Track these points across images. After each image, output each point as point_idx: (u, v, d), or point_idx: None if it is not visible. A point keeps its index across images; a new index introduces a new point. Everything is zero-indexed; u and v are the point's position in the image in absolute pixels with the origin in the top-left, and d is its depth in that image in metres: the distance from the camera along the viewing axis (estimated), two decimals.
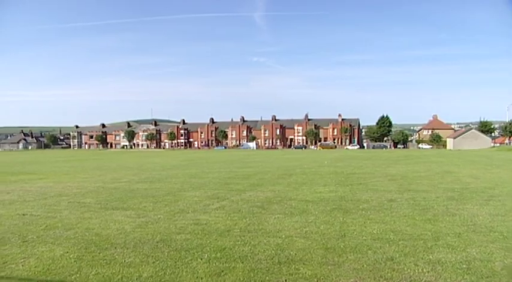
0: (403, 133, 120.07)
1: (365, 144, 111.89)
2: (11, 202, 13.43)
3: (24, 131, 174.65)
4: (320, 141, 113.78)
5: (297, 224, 9.16)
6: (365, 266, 6.18)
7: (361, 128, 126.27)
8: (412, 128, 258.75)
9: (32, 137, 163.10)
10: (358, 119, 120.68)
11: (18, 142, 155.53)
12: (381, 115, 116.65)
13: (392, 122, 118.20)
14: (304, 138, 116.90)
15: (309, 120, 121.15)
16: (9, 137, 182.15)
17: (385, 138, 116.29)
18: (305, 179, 19.42)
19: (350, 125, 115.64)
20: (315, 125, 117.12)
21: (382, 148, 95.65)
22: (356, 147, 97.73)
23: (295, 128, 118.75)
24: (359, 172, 23.42)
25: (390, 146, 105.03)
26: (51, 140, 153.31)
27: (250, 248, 7.19)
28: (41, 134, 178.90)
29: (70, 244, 7.73)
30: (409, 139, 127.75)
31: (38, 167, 33.46)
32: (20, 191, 16.59)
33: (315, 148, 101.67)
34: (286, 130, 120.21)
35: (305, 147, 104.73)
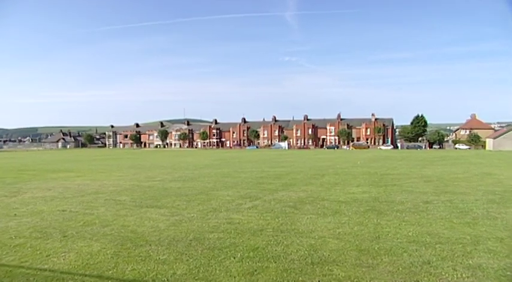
0: (439, 133, 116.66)
1: (399, 145, 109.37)
2: (52, 198, 13.97)
3: (63, 131, 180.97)
4: (353, 141, 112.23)
5: (330, 224, 9.09)
6: (400, 269, 6.06)
7: (394, 127, 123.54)
8: (448, 127, 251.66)
9: (70, 137, 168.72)
10: (391, 119, 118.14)
11: (57, 141, 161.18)
12: (416, 114, 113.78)
13: (428, 122, 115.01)
14: (336, 138, 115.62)
15: (341, 119, 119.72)
16: (49, 137, 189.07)
17: (420, 139, 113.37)
18: (338, 180, 19.21)
19: (383, 125, 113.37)
20: (348, 125, 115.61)
21: (417, 148, 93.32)
22: (389, 148, 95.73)
23: (328, 127, 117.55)
24: (393, 173, 22.96)
25: (425, 146, 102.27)
26: (88, 139, 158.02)
27: (283, 248, 7.19)
28: (78, 133, 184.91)
29: (107, 240, 7.97)
30: (445, 139, 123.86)
31: (75, 165, 34.57)
32: (60, 188, 17.22)
33: (348, 148, 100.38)
34: (318, 130, 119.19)
35: (337, 147, 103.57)
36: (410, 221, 9.41)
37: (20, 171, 28.08)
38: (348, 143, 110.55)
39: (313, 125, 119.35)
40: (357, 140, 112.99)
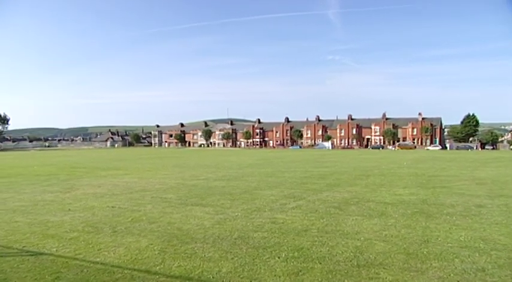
0: (492, 133, 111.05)
1: (447, 145, 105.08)
2: (102, 195, 14.54)
3: (111, 130, 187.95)
4: (398, 141, 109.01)
5: (376, 226, 8.89)
6: (452, 275, 5.82)
7: (443, 127, 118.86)
8: (502, 127, 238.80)
9: (118, 136, 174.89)
10: (440, 118, 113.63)
11: (106, 140, 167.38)
12: (467, 113, 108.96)
13: (480, 121, 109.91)
14: (381, 138, 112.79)
15: (386, 119, 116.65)
16: (98, 136, 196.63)
17: (471, 139, 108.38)
18: (383, 181, 18.76)
19: (431, 125, 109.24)
20: (393, 125, 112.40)
21: (468, 149, 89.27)
22: (438, 148, 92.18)
23: (372, 127, 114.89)
24: (442, 174, 22.12)
25: (477, 146, 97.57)
26: (134, 138, 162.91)
27: (328, 249, 7.11)
28: (125, 132, 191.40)
29: (154, 236, 8.20)
30: (500, 139, 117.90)
31: (123, 164, 35.79)
32: (109, 185, 17.90)
33: (393, 148, 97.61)
34: (363, 129, 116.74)
35: (382, 147, 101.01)
36: (461, 225, 9.03)
37: (73, 169, 29.46)
38: (394, 143, 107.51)
39: (357, 125, 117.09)
40: (403, 140, 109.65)
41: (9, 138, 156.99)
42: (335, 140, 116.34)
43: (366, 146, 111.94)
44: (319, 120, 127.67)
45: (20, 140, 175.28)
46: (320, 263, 6.37)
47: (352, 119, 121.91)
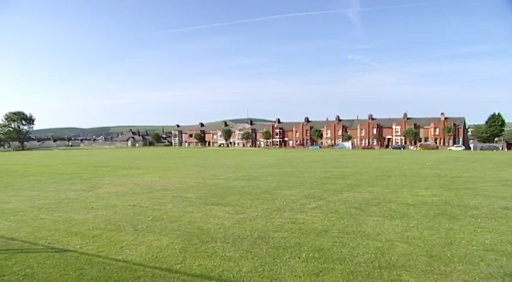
0: None
1: (471, 145, 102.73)
2: (124, 194, 14.76)
3: (132, 130, 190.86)
4: (420, 141, 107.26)
5: (397, 227, 8.77)
6: (477, 279, 5.69)
7: (466, 127, 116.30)
8: None
9: (139, 136, 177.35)
10: (463, 118, 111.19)
11: (127, 140, 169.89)
12: (492, 113, 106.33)
13: (506, 121, 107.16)
14: (402, 138, 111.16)
15: (408, 119, 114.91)
16: (120, 136, 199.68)
17: (496, 139, 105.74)
18: (405, 181, 18.48)
19: (454, 124, 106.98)
20: (415, 124, 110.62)
21: (493, 149, 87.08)
22: (461, 148, 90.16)
23: (393, 127, 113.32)
24: (466, 175, 21.66)
25: (503, 147, 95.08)
26: (155, 138, 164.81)
27: (348, 250, 7.05)
28: (146, 132, 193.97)
29: (175, 235, 8.28)
30: None
31: (144, 163, 36.23)
32: (130, 184, 18.15)
33: (415, 148, 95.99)
34: (384, 129, 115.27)
35: (404, 148, 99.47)
36: (486, 227, 8.81)
37: (95, 168, 29.99)
38: (415, 143, 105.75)
39: (378, 125, 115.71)
40: (425, 140, 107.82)
41: (34, 137, 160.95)
42: (355, 140, 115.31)
43: (387, 146, 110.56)
44: (339, 120, 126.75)
45: (45, 139, 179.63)
46: (341, 264, 6.33)
47: (372, 119, 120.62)
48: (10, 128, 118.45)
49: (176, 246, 7.41)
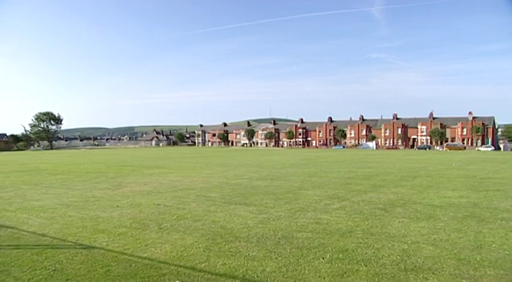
0: None
1: (501, 146, 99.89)
2: (148, 193, 14.97)
3: (156, 130, 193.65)
4: (447, 141, 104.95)
5: (423, 229, 8.60)
6: None
7: (496, 127, 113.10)
8: None
9: (163, 135, 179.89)
10: (493, 117, 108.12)
11: (151, 139, 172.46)
12: None
13: None
14: (428, 138, 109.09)
15: (434, 118, 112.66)
16: (144, 135, 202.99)
17: None
18: (431, 182, 18.11)
19: (483, 124, 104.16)
20: (441, 124, 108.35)
21: None
22: (490, 149, 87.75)
23: (419, 127, 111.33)
24: (495, 177, 21.04)
25: None
26: (178, 137, 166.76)
27: (373, 252, 6.96)
28: (170, 132, 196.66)
29: (199, 234, 8.34)
30: None
31: (168, 162, 36.65)
32: (155, 183, 18.39)
33: (441, 149, 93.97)
34: (409, 129, 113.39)
35: (429, 148, 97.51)
36: None
37: (120, 167, 30.53)
38: (442, 144, 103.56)
39: (402, 125, 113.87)
40: (452, 141, 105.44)
41: (62, 137, 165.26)
42: (379, 140, 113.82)
43: (412, 147, 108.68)
44: (363, 119, 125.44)
45: (72, 139, 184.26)
46: (365, 266, 6.25)
47: (397, 119, 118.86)
48: (40, 128, 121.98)
49: (200, 245, 7.46)
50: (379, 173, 23.52)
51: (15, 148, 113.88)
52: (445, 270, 6.03)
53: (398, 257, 6.66)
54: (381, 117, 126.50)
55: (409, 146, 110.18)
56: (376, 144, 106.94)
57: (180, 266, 6.30)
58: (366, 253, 6.89)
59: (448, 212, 10.66)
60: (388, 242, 7.54)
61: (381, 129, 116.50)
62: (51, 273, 6.05)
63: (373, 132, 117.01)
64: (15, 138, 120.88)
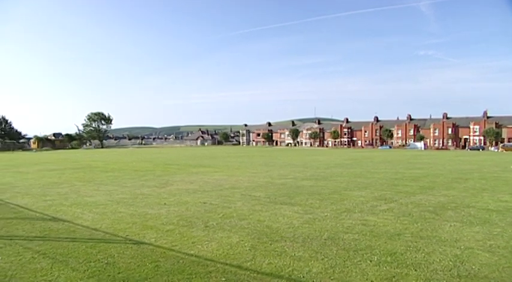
0: None
1: None
2: (194, 191, 15.24)
3: (201, 129, 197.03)
4: (502, 142, 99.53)
5: (478, 235, 8.19)
6: None
7: None
8: None
9: (208, 135, 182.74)
10: None
11: (196, 139, 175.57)
12: None
13: None
14: (481, 138, 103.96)
15: (488, 117, 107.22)
16: (189, 135, 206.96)
17: None
18: (485, 185, 17.24)
19: None
20: (496, 123, 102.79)
21: None
22: None
23: (471, 126, 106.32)
24: None
25: None
26: (223, 137, 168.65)
27: (423, 256, 6.71)
28: (215, 131, 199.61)
29: (244, 233, 8.38)
30: None
31: (213, 161, 37.16)
32: (200, 181, 18.69)
33: (496, 150, 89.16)
34: (460, 129, 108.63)
35: (483, 149, 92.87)
36: None
37: (167, 165, 31.31)
38: (497, 144, 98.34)
39: (453, 124, 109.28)
40: (508, 141, 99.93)
41: (112, 136, 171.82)
42: (428, 140, 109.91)
43: (463, 147, 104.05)
44: (411, 119, 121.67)
45: (121, 138, 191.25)
46: (415, 270, 6.04)
47: (447, 118, 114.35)
48: (91, 128, 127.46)
49: (246, 244, 7.50)
50: (428, 174, 22.71)
51: (70, 146, 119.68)
52: (504, 279, 5.70)
53: (450, 262, 6.39)
54: (430, 116, 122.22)
55: (460, 147, 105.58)
56: (424, 144, 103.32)
57: (226, 264, 6.36)
58: (416, 257, 6.66)
59: (506, 217, 10.09)
60: (439, 247, 7.25)
61: (429, 129, 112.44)
62: (104, 266, 6.29)
63: (422, 132, 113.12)
64: (69, 137, 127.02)
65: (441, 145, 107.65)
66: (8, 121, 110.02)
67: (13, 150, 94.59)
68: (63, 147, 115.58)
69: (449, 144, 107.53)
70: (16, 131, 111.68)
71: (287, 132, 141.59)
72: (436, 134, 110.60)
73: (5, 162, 39.43)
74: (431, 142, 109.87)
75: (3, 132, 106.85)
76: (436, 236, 8.09)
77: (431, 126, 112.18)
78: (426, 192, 14.63)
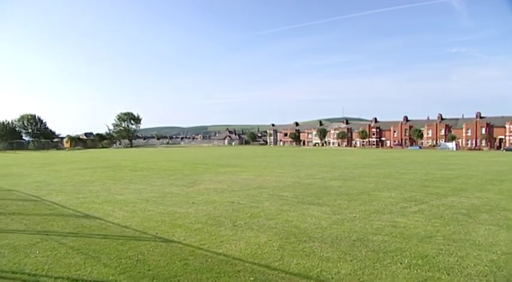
0: None
1: None
2: (222, 190, 15.33)
3: (229, 129, 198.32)
4: None
5: None
6: None
7: None
8: None
9: (235, 134, 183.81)
10: None
11: (224, 138, 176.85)
12: None
13: None
14: None
15: None
16: (217, 134, 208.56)
17: None
18: None
19: None
20: None
21: None
22: None
23: (507, 126, 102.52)
24: None
25: None
26: (250, 137, 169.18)
27: (456, 260, 6.52)
28: (242, 131, 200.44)
29: (272, 233, 8.37)
30: None
31: (240, 161, 37.30)
32: (228, 181, 18.79)
33: None
34: (494, 129, 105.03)
35: None
36: None
37: (194, 165, 31.64)
38: None
39: (487, 124, 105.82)
40: None
41: (140, 136, 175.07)
42: (460, 140, 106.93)
43: (498, 148, 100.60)
44: (442, 118, 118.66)
45: (149, 137, 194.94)
46: (448, 274, 5.87)
47: (481, 117, 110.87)
48: (121, 127, 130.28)
49: (274, 244, 7.49)
50: (460, 175, 22.10)
51: (100, 146, 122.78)
52: None
53: (486, 268, 6.17)
54: (462, 116, 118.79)
55: (495, 147, 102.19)
56: (456, 144, 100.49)
57: (254, 264, 6.36)
58: (448, 261, 6.48)
59: None
60: (473, 251, 7.03)
61: (461, 128, 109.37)
62: (135, 262, 6.41)
63: (453, 132, 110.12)
64: (100, 137, 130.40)
65: (474, 145, 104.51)
66: (43, 121, 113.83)
67: (48, 149, 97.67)
68: (94, 147, 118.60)
69: (483, 144, 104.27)
70: (50, 130, 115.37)
71: (314, 132, 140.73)
72: (469, 134, 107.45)
73: (41, 161, 40.79)
74: (464, 142, 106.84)
75: (38, 132, 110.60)
76: (470, 239, 7.85)
77: (464, 126, 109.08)
78: (459, 194, 14.24)
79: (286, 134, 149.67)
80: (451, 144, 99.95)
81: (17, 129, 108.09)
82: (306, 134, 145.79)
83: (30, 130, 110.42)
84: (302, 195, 13.99)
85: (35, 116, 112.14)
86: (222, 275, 5.86)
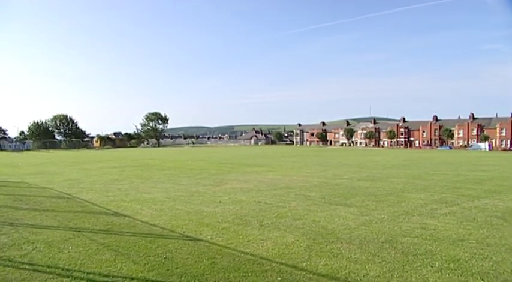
0: None
1: None
2: (249, 190, 15.36)
3: (255, 129, 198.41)
4: None
5: None
6: None
7: None
8: None
9: (262, 134, 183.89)
10: None
11: (250, 138, 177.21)
12: None
13: None
14: None
15: None
16: (243, 134, 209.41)
17: None
18: None
19: None
20: None
21: None
22: None
23: None
24: None
25: None
26: (277, 136, 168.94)
27: (491, 264, 6.30)
28: (268, 131, 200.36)
29: (299, 233, 8.32)
30: None
31: (266, 161, 37.30)
32: (255, 181, 18.81)
33: None
34: None
35: None
36: None
37: (221, 164, 31.83)
38: None
39: None
40: None
41: (168, 135, 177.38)
42: (493, 140, 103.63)
43: None
44: (474, 118, 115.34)
45: (176, 137, 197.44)
46: (482, 280, 5.66)
47: None
48: (149, 127, 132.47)
49: (301, 244, 7.44)
50: (493, 177, 21.41)
51: (129, 145, 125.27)
52: None
53: None
54: (496, 115, 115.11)
55: None
56: (489, 145, 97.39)
57: (282, 264, 6.33)
58: (483, 265, 6.27)
59: None
60: (510, 256, 6.76)
61: (495, 128, 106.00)
62: (163, 260, 6.49)
63: (486, 132, 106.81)
64: (128, 136, 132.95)
65: (509, 146, 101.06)
66: (74, 121, 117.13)
67: (78, 148, 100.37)
68: (123, 146, 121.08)
69: None
70: (81, 130, 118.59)
71: (341, 132, 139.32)
72: (503, 134, 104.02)
73: (72, 160, 41.96)
74: (497, 143, 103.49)
75: (69, 132, 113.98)
76: (506, 244, 7.56)
77: (498, 125, 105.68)
78: (492, 196, 13.80)
79: (312, 134, 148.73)
80: (484, 145, 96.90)
81: (50, 128, 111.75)
82: (333, 134, 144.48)
83: (62, 130, 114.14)
84: (329, 195, 13.86)
85: (66, 116, 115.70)
86: (250, 274, 5.86)
